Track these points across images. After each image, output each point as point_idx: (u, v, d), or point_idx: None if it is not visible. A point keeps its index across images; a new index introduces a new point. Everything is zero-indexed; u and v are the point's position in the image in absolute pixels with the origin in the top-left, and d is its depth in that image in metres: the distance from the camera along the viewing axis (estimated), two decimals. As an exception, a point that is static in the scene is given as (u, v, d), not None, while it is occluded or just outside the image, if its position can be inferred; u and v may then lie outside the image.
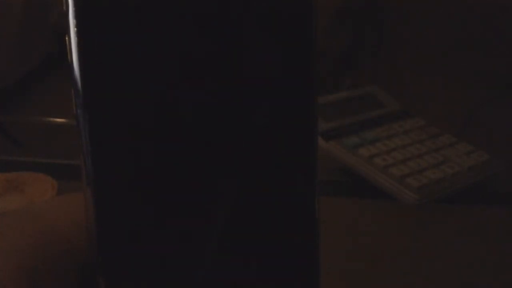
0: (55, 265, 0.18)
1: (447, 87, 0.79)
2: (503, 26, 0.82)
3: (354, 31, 0.82)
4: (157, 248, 0.17)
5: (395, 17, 0.86)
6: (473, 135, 0.69)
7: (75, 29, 0.16)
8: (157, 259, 0.17)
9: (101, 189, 0.17)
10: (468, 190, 0.61)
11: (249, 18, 0.17)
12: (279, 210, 0.18)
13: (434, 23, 0.85)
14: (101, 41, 0.16)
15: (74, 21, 0.16)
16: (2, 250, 0.18)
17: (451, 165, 0.62)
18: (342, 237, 0.54)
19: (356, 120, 0.67)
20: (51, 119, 0.72)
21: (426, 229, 0.58)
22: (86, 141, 0.16)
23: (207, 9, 0.16)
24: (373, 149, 0.63)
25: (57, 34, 0.82)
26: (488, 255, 0.53)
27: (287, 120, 0.17)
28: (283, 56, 0.17)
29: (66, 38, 0.16)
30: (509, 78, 0.78)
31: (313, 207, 0.18)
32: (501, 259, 0.53)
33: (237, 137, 0.17)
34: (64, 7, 0.16)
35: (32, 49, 0.81)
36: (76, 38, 0.16)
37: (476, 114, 0.73)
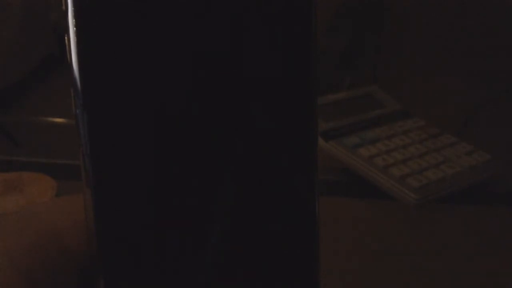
0: (54, 266, 0.18)
1: (447, 87, 0.79)
2: (504, 26, 0.82)
3: (354, 31, 0.82)
4: (157, 248, 0.17)
5: (395, 17, 0.86)
6: (473, 135, 0.69)
7: (75, 29, 0.16)
8: (157, 260, 0.17)
9: (101, 190, 0.17)
10: (468, 190, 0.61)
11: (249, 18, 0.17)
12: (279, 210, 0.18)
13: (434, 23, 0.85)
14: (101, 41, 0.16)
15: (74, 20, 0.16)
16: (1, 251, 0.18)
17: (451, 165, 0.62)
18: (342, 237, 0.54)
19: (356, 120, 0.67)
20: (51, 119, 0.72)
21: (426, 229, 0.58)
22: (85, 142, 0.16)
23: (206, 9, 0.16)
24: (373, 149, 0.63)
25: (57, 34, 0.82)
26: (488, 255, 0.53)
27: (287, 120, 0.17)
28: (283, 56, 0.17)
29: (66, 38, 0.16)
30: (509, 78, 0.78)
31: (313, 207, 0.18)
32: (501, 259, 0.53)
33: (236, 138, 0.17)
34: (64, 7, 0.16)
35: (33, 49, 0.81)
36: (75, 38, 0.16)
37: (476, 114, 0.73)
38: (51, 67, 0.81)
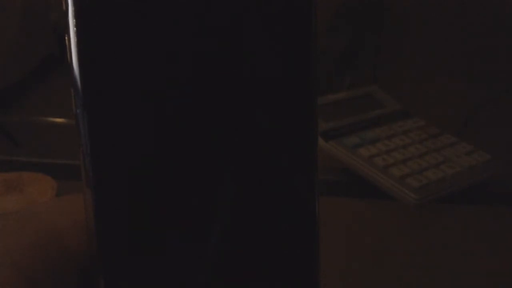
0: (54, 266, 0.18)
1: (447, 87, 0.79)
2: (504, 26, 0.82)
3: (354, 31, 0.82)
4: (157, 249, 0.17)
5: (395, 17, 0.86)
6: (473, 135, 0.69)
7: (75, 28, 0.16)
8: (157, 260, 0.17)
9: (101, 190, 0.17)
10: (468, 190, 0.61)
11: (249, 18, 0.17)
12: (279, 210, 0.18)
13: (434, 23, 0.85)
14: (101, 41, 0.16)
15: (74, 20, 0.16)
16: (1, 251, 0.18)
17: (451, 165, 0.62)
18: (342, 237, 0.54)
19: (356, 120, 0.67)
20: (51, 119, 0.72)
21: (426, 229, 0.58)
22: (85, 141, 0.16)
23: (206, 10, 0.16)
24: (373, 149, 0.63)
25: (57, 34, 0.82)
26: (488, 255, 0.53)
27: (287, 120, 0.17)
28: (283, 56, 0.17)
29: (66, 37, 0.16)
30: (509, 78, 0.78)
31: (314, 207, 0.18)
32: (501, 259, 0.53)
33: (237, 138, 0.17)
34: (64, 7, 0.16)
35: (33, 49, 0.81)
36: (75, 37, 0.16)
37: (476, 114, 0.73)
38: (51, 67, 0.81)
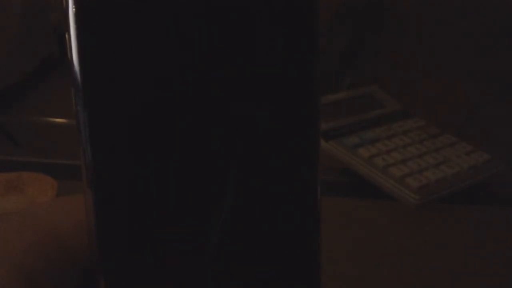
0: (54, 266, 0.18)
1: (447, 87, 0.79)
2: (504, 26, 0.82)
3: (354, 31, 0.82)
4: (157, 248, 0.17)
5: (395, 17, 0.86)
6: (473, 135, 0.69)
7: (75, 25, 0.16)
8: (157, 260, 0.17)
9: (101, 190, 0.17)
10: (468, 190, 0.61)
11: (251, 17, 0.17)
12: (280, 209, 0.18)
13: (434, 23, 0.85)
14: (101, 38, 0.16)
15: (74, 17, 0.16)
16: (1, 251, 0.18)
17: (451, 165, 0.62)
18: (342, 237, 0.54)
19: (356, 120, 0.67)
20: (51, 119, 0.72)
21: (426, 229, 0.58)
22: (86, 140, 0.16)
23: (208, 8, 0.16)
24: (373, 149, 0.63)
25: (57, 34, 0.82)
26: (488, 255, 0.53)
27: (289, 120, 0.17)
28: (285, 55, 0.17)
29: (66, 35, 0.16)
30: (509, 78, 0.78)
31: (315, 207, 0.18)
32: (501, 259, 0.53)
33: (238, 137, 0.17)
34: (64, 4, 0.16)
35: (33, 49, 0.81)
36: (75, 34, 0.16)
37: (476, 114, 0.73)
38: (51, 67, 0.81)
